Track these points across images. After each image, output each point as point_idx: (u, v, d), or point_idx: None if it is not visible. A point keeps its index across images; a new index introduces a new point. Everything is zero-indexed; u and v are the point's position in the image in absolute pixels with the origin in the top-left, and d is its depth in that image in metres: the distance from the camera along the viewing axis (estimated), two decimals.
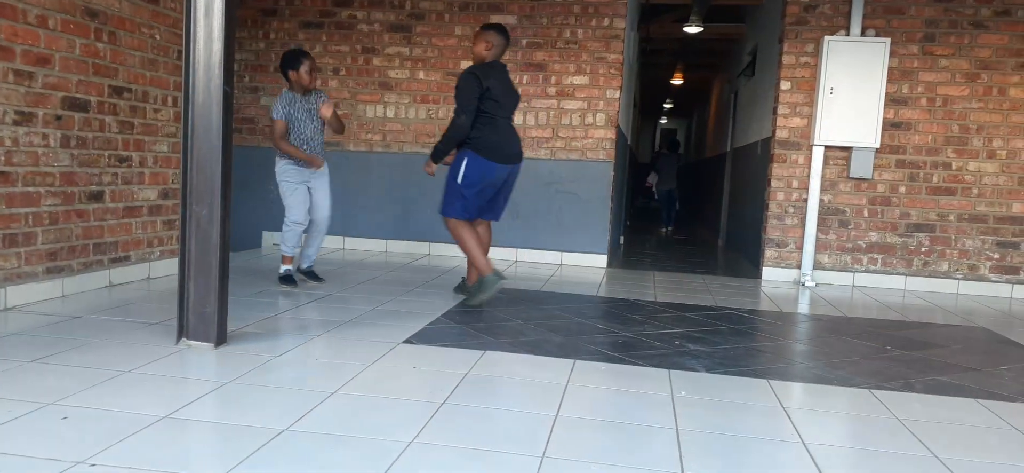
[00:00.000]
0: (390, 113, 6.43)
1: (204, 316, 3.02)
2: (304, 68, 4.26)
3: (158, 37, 4.48)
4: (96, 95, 4.06)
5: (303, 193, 4.42)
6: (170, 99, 4.64)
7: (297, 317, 3.72)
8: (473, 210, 4.14)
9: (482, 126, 4.02)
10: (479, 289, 4.09)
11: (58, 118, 3.82)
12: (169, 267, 4.67)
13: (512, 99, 4.17)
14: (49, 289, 3.84)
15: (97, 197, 4.15)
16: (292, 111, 4.30)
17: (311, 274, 4.67)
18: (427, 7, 6.31)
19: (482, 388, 2.73)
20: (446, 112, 6.35)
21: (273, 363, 2.87)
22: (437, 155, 4.17)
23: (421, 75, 6.32)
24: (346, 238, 6.53)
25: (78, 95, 3.94)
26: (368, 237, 6.53)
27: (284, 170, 4.38)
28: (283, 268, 4.52)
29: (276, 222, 6.64)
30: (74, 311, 3.59)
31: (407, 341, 3.35)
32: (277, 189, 4.45)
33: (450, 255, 6.31)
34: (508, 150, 4.11)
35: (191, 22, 2.92)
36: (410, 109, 6.42)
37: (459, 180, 4.06)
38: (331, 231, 6.53)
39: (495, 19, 6.20)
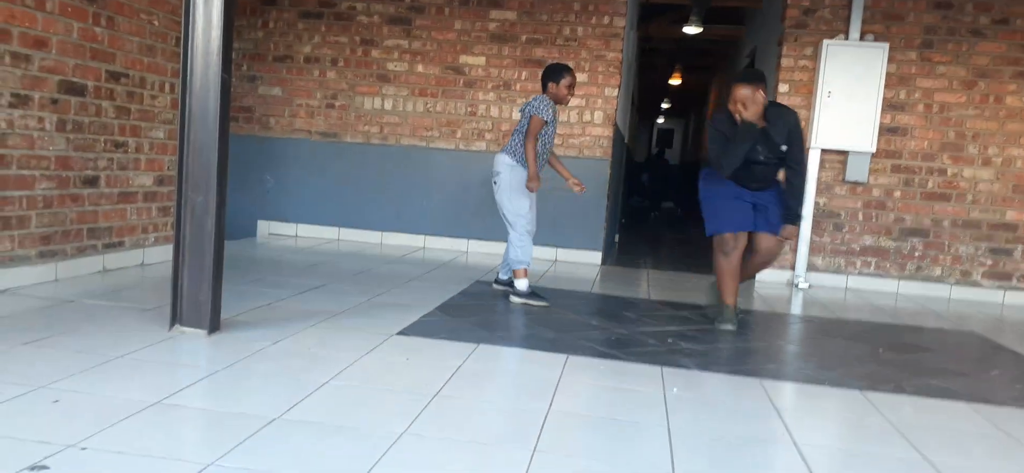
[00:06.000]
0: (388, 105, 6.42)
1: (197, 303, 3.01)
2: (564, 82, 4.22)
3: (157, 23, 4.46)
4: (93, 80, 4.05)
5: (530, 200, 4.29)
6: (167, 85, 4.62)
7: (291, 307, 3.72)
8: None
9: None
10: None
11: (54, 102, 3.81)
12: (163, 253, 4.66)
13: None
14: (42, 273, 3.83)
15: (92, 182, 4.14)
16: (549, 119, 4.19)
17: (511, 284, 4.39)
18: (427, 0, 6.30)
19: (475, 381, 2.73)
20: (444, 106, 6.34)
21: (266, 352, 2.87)
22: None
23: (420, 68, 6.30)
24: (341, 229, 6.51)
25: (75, 79, 3.92)
26: (363, 229, 6.51)
27: (518, 175, 4.20)
28: (524, 284, 4.25)
29: (272, 211, 6.65)
30: (67, 295, 3.58)
31: (401, 333, 3.35)
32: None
33: (445, 249, 6.31)
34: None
35: (190, 9, 2.91)
36: (408, 102, 6.40)
37: None
38: (326, 222, 6.57)
39: (495, 15, 6.19)
